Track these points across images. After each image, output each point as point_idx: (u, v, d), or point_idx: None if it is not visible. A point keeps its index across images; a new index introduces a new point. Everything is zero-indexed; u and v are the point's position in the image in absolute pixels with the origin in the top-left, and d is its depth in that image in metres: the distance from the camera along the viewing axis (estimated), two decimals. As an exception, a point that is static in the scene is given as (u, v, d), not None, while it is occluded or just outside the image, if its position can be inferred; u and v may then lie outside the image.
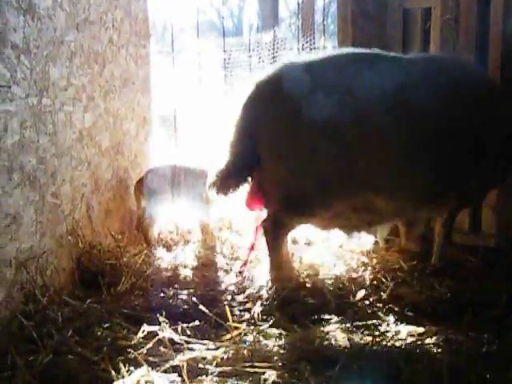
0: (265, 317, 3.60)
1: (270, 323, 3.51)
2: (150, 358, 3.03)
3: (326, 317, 3.64)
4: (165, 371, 2.88)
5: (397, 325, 3.50)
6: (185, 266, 4.68)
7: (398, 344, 3.24)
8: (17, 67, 3.47)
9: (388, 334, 3.37)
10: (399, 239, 4.98)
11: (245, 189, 4.27)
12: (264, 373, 2.91)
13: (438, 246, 4.53)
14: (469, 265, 4.52)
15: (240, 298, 3.99)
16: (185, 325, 3.44)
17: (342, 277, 4.30)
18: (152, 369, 2.86)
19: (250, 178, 4.20)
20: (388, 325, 3.51)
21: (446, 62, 4.32)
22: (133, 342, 3.21)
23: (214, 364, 2.97)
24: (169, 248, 5.21)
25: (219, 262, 4.82)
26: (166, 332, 3.26)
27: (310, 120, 3.87)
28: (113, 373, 2.83)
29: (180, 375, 2.83)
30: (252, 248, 4.52)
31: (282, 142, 3.99)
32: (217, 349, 3.17)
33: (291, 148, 3.97)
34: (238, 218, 5.81)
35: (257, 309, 3.61)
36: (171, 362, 2.95)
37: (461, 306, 3.70)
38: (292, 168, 3.99)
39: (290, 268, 4.37)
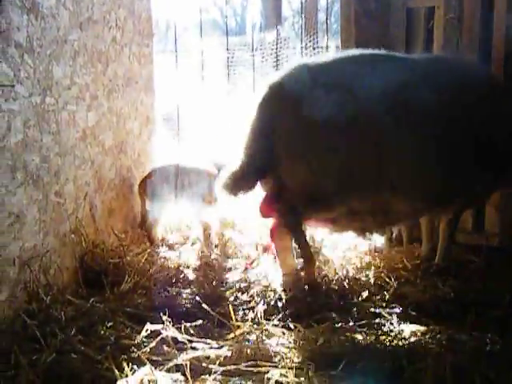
0: (268, 316, 3.60)
1: (274, 322, 3.51)
2: (154, 357, 3.04)
3: (330, 316, 3.63)
4: (168, 370, 2.88)
5: (400, 324, 3.50)
6: (188, 266, 4.67)
7: (401, 343, 3.24)
8: (20, 66, 3.48)
9: (391, 334, 3.37)
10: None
11: (258, 194, 4.26)
12: (267, 372, 2.91)
13: (442, 245, 4.53)
14: (472, 264, 4.51)
15: (243, 297, 3.99)
16: (188, 324, 3.45)
17: (345, 276, 4.29)
18: (155, 368, 2.87)
19: (263, 182, 4.17)
20: (391, 324, 3.51)
21: (458, 63, 4.32)
22: (136, 341, 3.22)
23: (218, 363, 2.97)
24: (172, 247, 5.21)
25: (222, 262, 4.81)
26: (170, 331, 3.27)
27: (326, 119, 3.86)
28: (116, 372, 2.83)
29: (183, 374, 2.83)
30: (266, 250, 4.51)
31: (300, 141, 3.97)
32: (220, 348, 3.17)
33: (309, 147, 3.94)
34: (242, 218, 5.81)
35: (260, 308, 3.61)
36: (174, 361, 2.95)
37: (464, 305, 3.69)
38: (311, 167, 3.97)
39: (295, 267, 4.37)
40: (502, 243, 4.86)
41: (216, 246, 5.17)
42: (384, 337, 3.31)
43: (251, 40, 12.64)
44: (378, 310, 3.72)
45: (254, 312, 3.65)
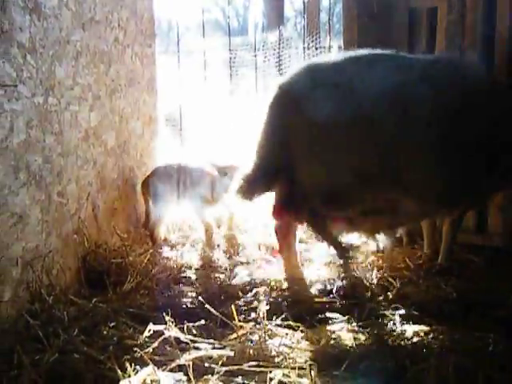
0: (271, 316, 3.60)
1: (277, 322, 3.51)
2: (156, 357, 3.03)
3: (333, 316, 3.63)
4: (171, 370, 2.88)
5: (403, 324, 3.50)
6: (190, 266, 4.67)
7: (404, 343, 3.24)
8: (23, 66, 3.48)
9: (394, 334, 3.36)
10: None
11: (271, 198, 4.25)
12: (270, 372, 2.90)
13: (445, 246, 4.52)
14: (475, 264, 4.51)
15: (246, 297, 3.99)
16: (191, 324, 3.44)
17: (348, 276, 4.28)
18: (158, 368, 2.86)
19: (277, 184, 4.16)
20: (394, 324, 3.50)
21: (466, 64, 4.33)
22: (139, 341, 3.21)
23: (220, 363, 2.96)
24: (174, 247, 5.21)
25: (225, 262, 4.81)
26: (172, 331, 3.26)
27: (337, 119, 3.84)
28: (119, 372, 2.82)
29: (186, 374, 2.83)
30: (276, 253, 4.52)
31: (315, 141, 3.95)
32: (223, 348, 3.17)
33: (323, 147, 3.92)
34: (245, 217, 5.81)
35: (263, 308, 3.61)
36: (177, 361, 2.94)
37: (467, 305, 3.69)
38: (326, 166, 3.96)
39: (298, 267, 4.37)
40: (504, 243, 4.86)
41: (218, 246, 5.17)
42: (387, 337, 3.31)
43: (253, 40, 12.64)
44: (380, 310, 3.72)
45: (256, 312, 3.65)
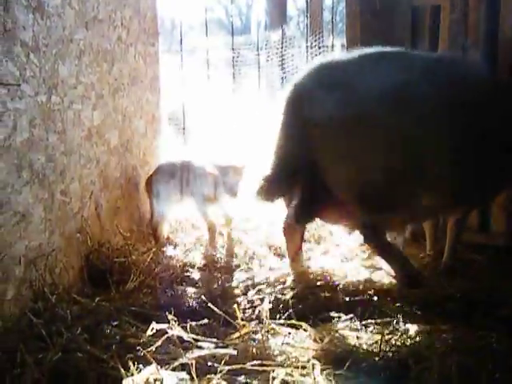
0: (274, 315, 3.60)
1: (279, 321, 3.51)
2: (159, 356, 3.03)
3: (336, 315, 3.63)
4: (174, 369, 2.87)
5: (406, 323, 3.49)
6: (193, 265, 4.67)
7: (407, 342, 3.23)
8: (26, 65, 3.48)
9: (397, 333, 3.36)
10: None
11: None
12: (273, 371, 2.90)
13: (449, 244, 4.52)
14: (478, 263, 4.50)
15: (249, 296, 3.98)
16: (194, 323, 3.44)
17: (352, 275, 4.28)
18: (161, 367, 2.86)
19: (298, 186, 4.12)
20: (397, 323, 3.50)
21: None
22: (142, 340, 3.21)
23: (223, 362, 2.96)
24: (177, 246, 5.21)
25: (228, 260, 4.81)
26: (175, 330, 3.26)
27: (366, 118, 3.81)
28: (122, 370, 2.82)
29: (189, 373, 2.83)
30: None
31: (341, 141, 3.90)
32: (226, 347, 3.16)
33: (351, 148, 3.89)
34: (247, 217, 5.82)
35: (266, 307, 3.60)
36: (180, 360, 2.94)
37: (470, 304, 3.68)
38: (359, 165, 3.91)
39: (304, 267, 4.37)
40: (507, 242, 4.85)
41: (222, 246, 5.16)
42: (390, 336, 3.31)
43: (256, 39, 12.65)
44: (383, 309, 3.71)
45: (259, 311, 3.65)
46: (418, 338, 3.28)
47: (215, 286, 4.19)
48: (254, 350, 3.13)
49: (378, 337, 3.26)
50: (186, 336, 3.24)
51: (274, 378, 2.83)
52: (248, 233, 5.54)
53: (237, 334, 3.35)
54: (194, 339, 3.23)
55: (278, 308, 3.75)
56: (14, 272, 3.39)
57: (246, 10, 36.61)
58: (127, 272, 4.21)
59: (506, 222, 4.90)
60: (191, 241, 5.36)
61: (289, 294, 3.93)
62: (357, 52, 4.12)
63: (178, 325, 3.34)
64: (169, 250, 5.02)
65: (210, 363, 2.99)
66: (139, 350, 3.08)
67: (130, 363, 2.86)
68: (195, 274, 4.46)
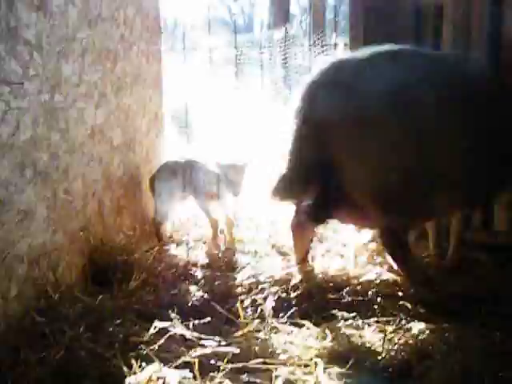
0: (277, 313, 3.60)
1: (282, 320, 3.51)
2: (162, 354, 3.04)
3: (339, 313, 3.63)
4: (176, 367, 2.88)
5: (409, 322, 3.49)
6: (196, 263, 4.68)
7: (410, 341, 3.23)
8: (29, 64, 3.49)
9: (400, 331, 3.36)
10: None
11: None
12: (275, 369, 2.91)
13: (453, 243, 4.51)
14: (481, 262, 4.50)
15: (252, 294, 3.98)
16: (196, 321, 3.45)
17: (354, 273, 4.28)
18: (164, 365, 2.87)
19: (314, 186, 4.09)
20: (400, 321, 3.50)
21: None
22: (145, 339, 3.22)
23: (226, 360, 2.97)
24: (180, 244, 5.21)
25: (231, 259, 4.81)
26: (178, 328, 3.27)
27: (384, 116, 3.79)
28: (125, 369, 2.83)
29: (191, 371, 2.83)
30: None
31: (358, 141, 3.83)
32: (228, 345, 3.17)
33: (368, 147, 3.85)
34: (250, 215, 5.82)
35: (268, 305, 3.61)
36: (183, 358, 2.95)
37: (474, 303, 3.68)
38: (376, 165, 3.83)
39: (310, 265, 4.37)
40: (510, 241, 4.84)
41: (224, 244, 5.17)
42: (392, 334, 3.31)
43: (259, 38, 12.66)
44: (386, 308, 3.72)
45: (262, 309, 3.65)
46: (421, 337, 3.28)
47: (218, 284, 4.19)
48: (257, 349, 3.13)
49: (381, 335, 3.27)
50: (188, 334, 3.25)
51: (276, 377, 2.83)
52: (251, 231, 5.54)
53: (240, 333, 3.35)
54: (196, 337, 3.23)
55: (281, 306, 3.75)
56: (17, 270, 3.39)
57: (249, 8, 36.62)
58: (130, 270, 4.21)
59: (509, 220, 4.89)
60: (194, 239, 5.36)
61: (292, 293, 3.93)
62: (369, 50, 4.07)
63: (181, 323, 3.35)
64: (172, 249, 5.02)
65: (212, 361, 3.00)
66: (142, 348, 3.09)
67: (133, 361, 2.87)
68: (198, 273, 4.46)
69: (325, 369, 2.91)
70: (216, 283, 4.20)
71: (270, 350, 3.14)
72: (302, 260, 4.33)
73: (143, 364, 2.87)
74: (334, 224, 4.66)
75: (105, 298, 3.76)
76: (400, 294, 3.93)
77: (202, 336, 3.25)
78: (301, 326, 3.46)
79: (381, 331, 3.37)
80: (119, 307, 3.65)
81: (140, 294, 3.93)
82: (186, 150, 6.57)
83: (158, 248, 4.83)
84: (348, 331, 3.38)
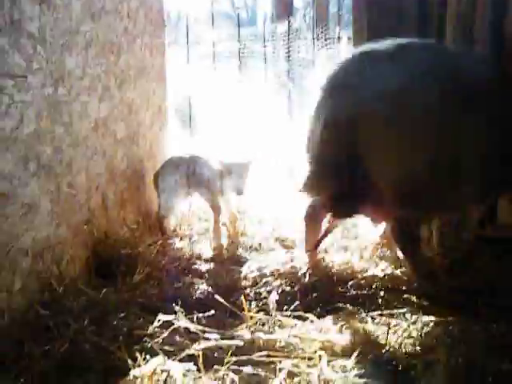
0: (281, 306, 3.60)
1: (286, 313, 3.51)
2: (166, 347, 3.04)
3: (342, 306, 3.63)
4: (180, 360, 2.88)
5: (413, 315, 3.49)
6: (200, 256, 4.68)
7: (413, 334, 3.23)
8: (33, 57, 3.49)
9: (403, 324, 3.36)
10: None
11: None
12: (280, 362, 2.91)
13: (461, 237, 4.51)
14: (485, 255, 4.49)
15: (256, 287, 3.99)
16: (200, 314, 3.46)
17: (358, 266, 4.28)
18: (168, 358, 2.86)
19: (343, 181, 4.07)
20: (404, 314, 3.50)
21: None
22: (149, 332, 3.22)
23: (230, 353, 2.96)
24: (184, 238, 5.21)
25: (235, 252, 4.81)
26: (182, 321, 3.27)
27: (411, 110, 3.76)
28: (129, 361, 2.83)
29: (196, 364, 2.83)
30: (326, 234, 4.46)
31: (387, 132, 3.77)
32: (232, 338, 3.17)
33: (395, 139, 3.82)
34: (255, 209, 5.82)
35: (273, 298, 3.61)
36: (187, 351, 2.95)
37: (477, 296, 3.68)
38: (404, 157, 3.79)
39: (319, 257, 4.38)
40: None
41: (228, 237, 5.16)
42: (396, 327, 3.31)
43: (262, 31, 12.63)
44: (390, 301, 3.72)
45: (266, 302, 3.65)
46: (424, 330, 3.28)
47: (222, 277, 4.20)
48: (261, 342, 3.13)
49: (385, 328, 3.27)
50: (192, 327, 3.25)
51: (280, 369, 2.83)
52: (255, 225, 5.54)
53: (244, 326, 3.35)
54: (200, 330, 3.23)
55: (285, 300, 3.75)
56: (21, 264, 3.40)
57: (252, 1, 36.56)
58: (134, 264, 4.21)
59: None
60: (198, 232, 5.36)
61: (296, 286, 3.93)
62: (390, 42, 4.04)
63: (185, 316, 3.35)
64: (175, 242, 5.02)
65: (216, 354, 3.00)
66: (146, 341, 3.10)
67: (137, 354, 2.86)
68: (202, 266, 4.46)
69: (329, 362, 2.91)
70: (220, 276, 4.21)
71: (274, 343, 3.14)
72: (312, 250, 4.33)
73: (147, 357, 2.86)
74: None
75: (109, 291, 3.76)
76: (404, 287, 3.93)
77: (206, 329, 3.25)
78: (305, 319, 3.46)
79: (384, 324, 3.37)
80: (123, 300, 3.66)
81: (144, 288, 3.93)
82: (189, 144, 6.58)
83: (161, 241, 4.83)
84: (352, 324, 3.38)
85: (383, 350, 3.04)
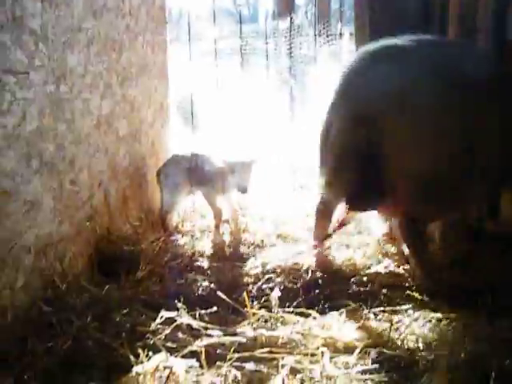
0: (283, 303, 3.60)
1: (289, 309, 3.51)
2: (169, 344, 3.05)
3: (345, 303, 3.63)
4: (183, 356, 2.88)
5: (415, 311, 3.49)
6: (202, 253, 4.68)
7: (416, 331, 3.24)
8: (35, 54, 3.49)
9: (406, 321, 3.36)
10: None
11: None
12: (282, 359, 2.91)
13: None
14: (488, 251, 4.49)
15: (258, 283, 3.99)
16: (203, 311, 3.46)
17: (361, 263, 4.28)
18: (170, 354, 2.87)
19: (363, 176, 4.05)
20: (406, 311, 3.50)
21: None
22: (151, 328, 3.23)
23: (232, 350, 2.97)
24: (186, 235, 5.21)
25: (237, 249, 4.81)
26: (184, 318, 3.28)
27: (426, 107, 3.75)
28: (132, 358, 2.84)
29: (198, 360, 2.84)
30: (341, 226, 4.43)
31: (405, 128, 3.76)
32: (235, 335, 3.18)
33: (414, 135, 3.80)
34: (257, 206, 5.82)
35: (275, 295, 3.61)
36: (189, 348, 2.96)
37: (480, 292, 3.68)
38: (422, 153, 3.77)
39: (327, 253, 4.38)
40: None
41: (230, 233, 5.17)
42: (399, 324, 3.31)
43: (264, 28, 12.61)
44: (393, 298, 3.72)
45: (268, 299, 3.65)
46: (427, 326, 3.29)
47: (224, 274, 4.20)
48: (264, 338, 3.14)
49: (388, 325, 3.27)
50: (195, 324, 3.26)
51: (283, 366, 2.84)
52: (257, 222, 5.53)
53: (246, 322, 3.35)
54: (203, 327, 3.24)
55: (288, 296, 3.75)
56: (24, 261, 3.40)
57: (254, -2, 36.55)
58: (136, 260, 4.22)
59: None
60: (200, 229, 5.36)
61: (298, 283, 3.93)
62: (405, 38, 4.02)
63: (188, 313, 3.36)
64: (178, 239, 5.02)
65: (219, 351, 3.01)
66: (149, 337, 3.10)
67: (140, 351, 2.87)
68: (204, 263, 4.46)
69: (331, 358, 2.92)
70: (222, 273, 4.21)
71: (276, 339, 3.14)
72: (319, 245, 4.33)
73: (150, 353, 2.87)
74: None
75: (111, 288, 3.77)
76: (407, 284, 3.94)
77: (209, 326, 3.26)
78: (307, 315, 3.46)
79: (387, 321, 3.38)
80: (126, 297, 3.67)
81: (146, 284, 3.94)
82: (191, 141, 6.57)
83: (164, 238, 4.82)
84: (354, 321, 3.39)
85: (385, 347, 3.05)
